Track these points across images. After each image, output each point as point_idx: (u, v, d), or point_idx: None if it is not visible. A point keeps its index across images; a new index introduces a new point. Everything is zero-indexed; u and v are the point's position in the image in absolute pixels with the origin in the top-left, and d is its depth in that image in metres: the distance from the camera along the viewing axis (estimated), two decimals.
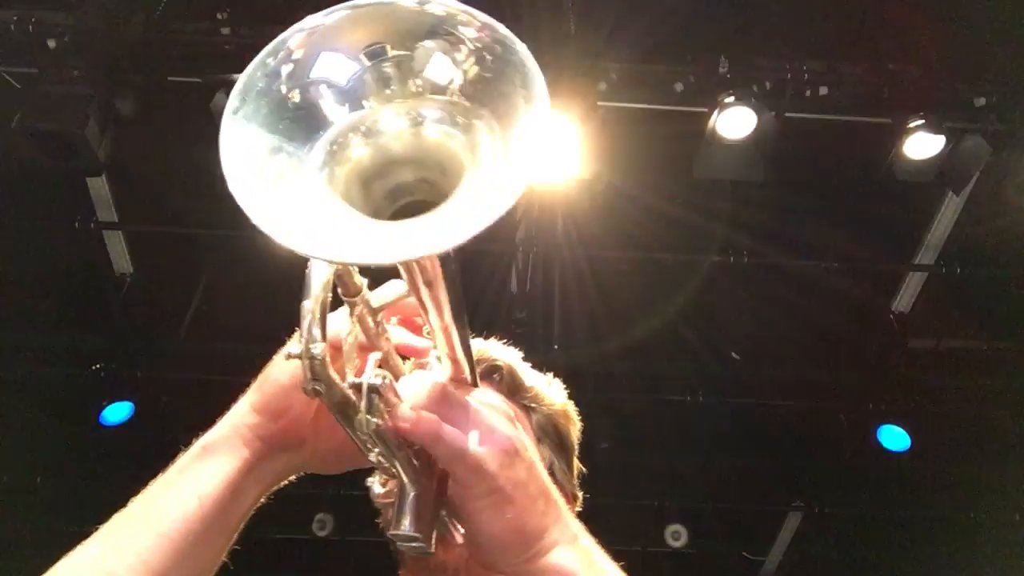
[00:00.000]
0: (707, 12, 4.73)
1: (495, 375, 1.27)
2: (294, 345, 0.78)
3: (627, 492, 6.51)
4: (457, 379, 0.94)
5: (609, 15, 4.69)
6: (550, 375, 1.37)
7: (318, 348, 0.78)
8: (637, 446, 6.31)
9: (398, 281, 0.93)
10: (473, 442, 0.86)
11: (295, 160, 0.75)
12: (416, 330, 1.01)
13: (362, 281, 0.88)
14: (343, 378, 0.82)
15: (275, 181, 0.72)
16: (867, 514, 7.14)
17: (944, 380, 6.19)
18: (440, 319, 0.85)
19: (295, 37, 0.79)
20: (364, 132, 0.78)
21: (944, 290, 5.66)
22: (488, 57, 0.73)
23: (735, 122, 4.37)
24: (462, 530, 0.94)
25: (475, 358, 0.97)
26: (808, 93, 4.55)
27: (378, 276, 0.91)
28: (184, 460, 0.98)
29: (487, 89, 0.74)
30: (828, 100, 4.60)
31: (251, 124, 0.74)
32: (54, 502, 6.54)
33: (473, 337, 1.04)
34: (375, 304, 0.92)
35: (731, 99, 4.32)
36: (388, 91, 0.78)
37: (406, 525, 0.88)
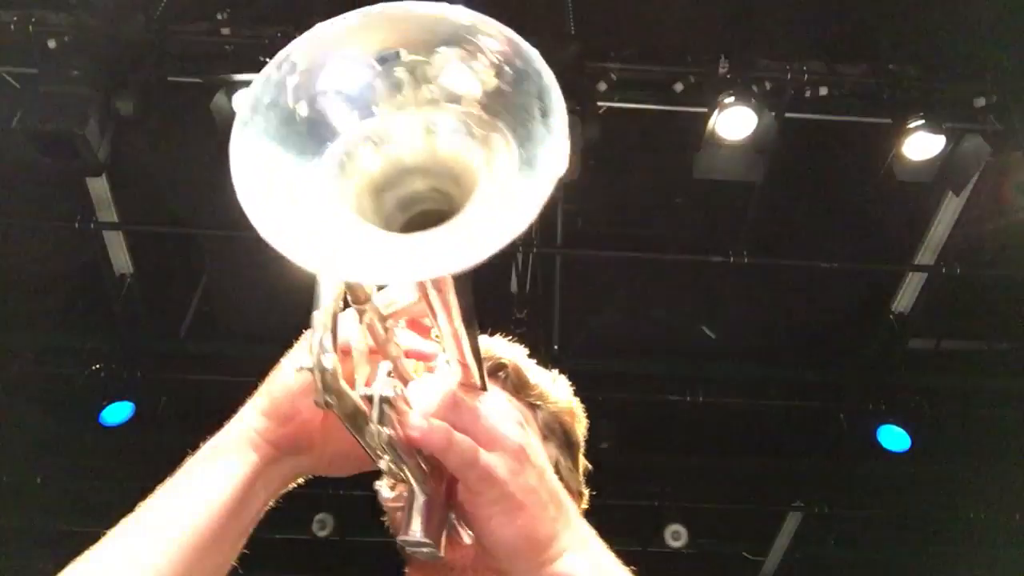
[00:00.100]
0: (707, 12, 4.73)
1: (500, 373, 1.26)
2: (305, 358, 0.78)
3: (627, 492, 6.51)
4: (466, 383, 0.93)
5: (609, 15, 4.69)
6: (555, 372, 1.37)
7: (330, 360, 0.77)
8: (637, 446, 6.31)
9: (407, 285, 0.93)
10: (484, 449, 0.86)
11: (306, 172, 0.74)
12: (423, 331, 1.00)
13: (372, 287, 0.88)
14: (353, 386, 0.82)
15: (286, 195, 0.72)
16: (867, 514, 7.14)
17: (944, 380, 6.19)
18: (450, 324, 0.85)
19: (303, 46, 0.77)
20: (376, 141, 0.77)
21: (944, 290, 5.66)
22: (507, 70, 0.72)
23: (735, 122, 4.37)
24: (470, 532, 0.94)
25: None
26: (808, 93, 4.55)
27: None
28: (192, 465, 0.98)
29: (504, 102, 0.73)
30: (828, 100, 4.60)
31: (261, 137, 0.74)
32: (54, 502, 6.54)
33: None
34: (385, 311, 0.92)
35: (731, 99, 4.32)
36: (400, 96, 0.77)
37: (416, 531, 0.88)
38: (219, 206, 4.95)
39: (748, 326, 6.22)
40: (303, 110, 0.75)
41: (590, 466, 1.36)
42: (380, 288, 0.91)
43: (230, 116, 4.26)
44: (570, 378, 1.39)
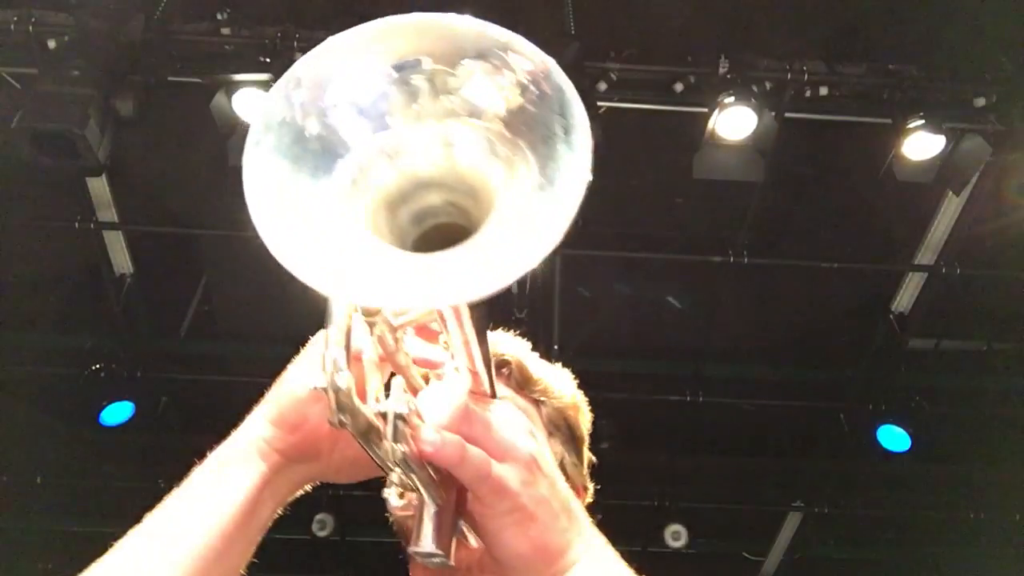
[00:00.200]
0: (707, 12, 4.73)
1: (504, 370, 1.26)
2: (319, 376, 0.77)
3: (627, 492, 6.51)
4: (476, 391, 0.92)
5: (609, 15, 4.69)
6: (558, 365, 1.37)
7: (344, 380, 0.76)
8: (637, 446, 6.31)
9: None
10: (496, 462, 0.85)
11: (319, 189, 0.73)
12: (431, 336, 1.00)
13: None
14: (364, 398, 0.81)
15: (299, 214, 0.70)
16: (867, 514, 7.14)
17: (944, 380, 6.20)
18: (461, 332, 0.84)
19: (317, 58, 0.75)
20: (390, 155, 0.76)
21: (944, 290, 5.66)
22: (534, 90, 0.71)
23: (735, 122, 4.37)
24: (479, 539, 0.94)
25: None
26: (808, 93, 4.55)
27: None
28: (199, 475, 0.97)
29: (528, 122, 0.71)
30: (828, 100, 4.60)
31: (273, 155, 0.72)
32: (54, 502, 6.55)
33: None
34: (395, 322, 0.91)
35: (731, 99, 4.32)
36: (416, 106, 0.75)
37: (427, 542, 0.87)
38: (219, 206, 4.96)
39: (748, 326, 6.22)
40: (313, 127, 0.74)
41: (595, 459, 1.36)
42: None
43: (230, 116, 4.26)
44: None
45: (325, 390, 0.76)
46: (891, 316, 5.95)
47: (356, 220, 0.73)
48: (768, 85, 4.51)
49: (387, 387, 0.96)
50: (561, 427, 1.30)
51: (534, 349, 1.34)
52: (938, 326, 6.03)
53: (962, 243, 5.37)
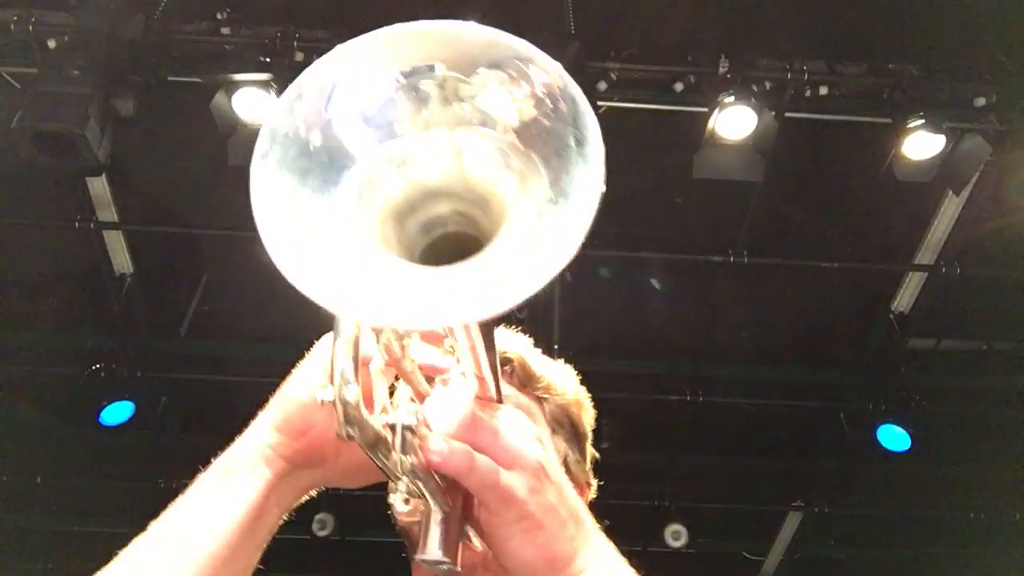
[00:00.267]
0: (707, 12, 4.73)
1: (506, 367, 1.25)
2: (327, 391, 0.77)
3: (627, 492, 6.51)
4: (482, 396, 0.92)
5: (609, 15, 4.69)
6: (561, 361, 1.36)
7: (352, 393, 0.76)
8: (637, 446, 6.31)
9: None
10: (503, 470, 0.85)
11: (326, 203, 0.72)
12: (436, 339, 0.99)
13: None
14: (371, 409, 0.81)
15: (308, 229, 0.69)
16: (867, 514, 7.14)
17: (944, 380, 6.20)
18: (468, 338, 0.84)
19: (324, 67, 0.74)
20: (398, 164, 0.75)
21: (944, 290, 5.66)
22: (550, 104, 0.70)
23: (735, 122, 4.37)
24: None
25: None
26: (808, 93, 4.55)
27: None
28: (205, 483, 0.97)
29: (542, 136, 0.70)
30: (828, 100, 4.60)
31: (280, 169, 0.71)
32: (54, 502, 6.54)
33: None
34: (401, 329, 0.91)
35: (731, 99, 4.32)
36: (425, 112, 0.74)
37: (434, 550, 0.87)
38: (219, 206, 4.96)
39: (748, 326, 6.22)
40: (319, 139, 0.73)
41: (598, 455, 1.36)
42: None
43: (230, 116, 4.26)
44: None
45: (333, 403, 0.76)
46: (891, 316, 5.95)
47: (364, 232, 0.72)
48: (768, 85, 4.50)
49: (391, 390, 0.96)
50: (564, 424, 1.30)
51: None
52: (938, 326, 6.03)
53: (962, 243, 5.37)
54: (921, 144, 4.41)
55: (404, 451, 0.80)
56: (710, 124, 4.41)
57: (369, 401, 0.82)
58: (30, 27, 4.18)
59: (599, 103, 4.49)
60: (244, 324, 6.00)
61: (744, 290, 5.85)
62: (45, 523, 6.71)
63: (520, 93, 0.71)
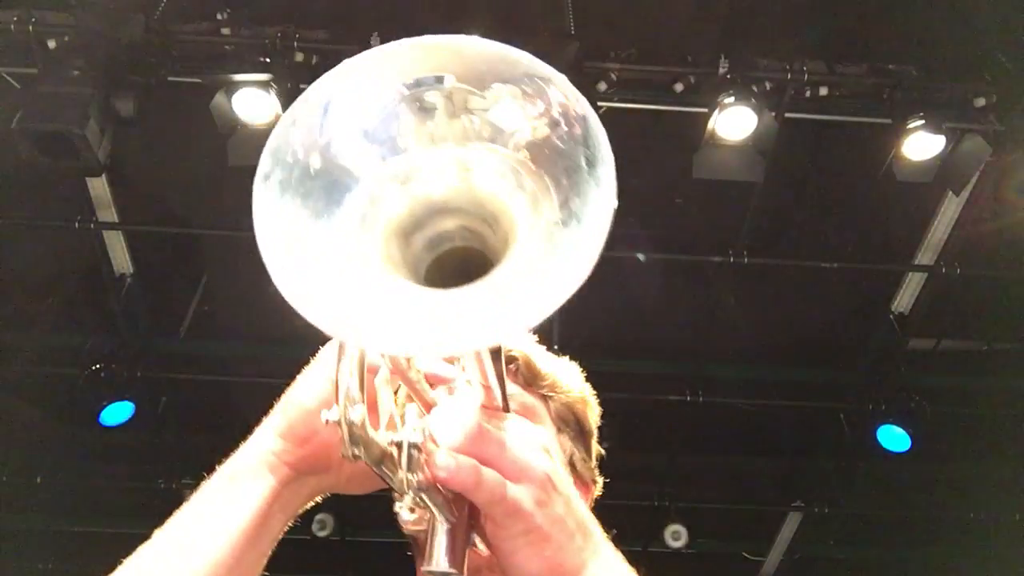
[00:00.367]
0: (707, 12, 4.73)
1: (511, 366, 1.25)
2: (332, 411, 0.76)
3: (627, 492, 6.51)
4: (488, 405, 0.91)
5: (609, 15, 4.69)
6: (566, 358, 1.36)
7: (358, 413, 0.76)
8: (637, 446, 6.31)
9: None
10: (510, 483, 0.84)
11: (332, 224, 0.70)
12: None
13: None
14: (376, 424, 0.80)
15: (312, 252, 0.68)
16: (867, 514, 7.14)
17: (944, 380, 6.19)
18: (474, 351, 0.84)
19: (331, 81, 0.73)
20: (401, 180, 0.74)
21: (944, 290, 5.66)
22: (563, 125, 0.68)
23: (735, 122, 4.37)
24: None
25: None
26: (808, 93, 4.55)
27: None
28: (209, 490, 0.97)
29: (553, 156, 0.69)
30: (828, 100, 4.60)
31: (285, 190, 0.70)
32: (54, 502, 6.54)
33: None
34: (407, 357, 0.91)
35: (731, 99, 4.32)
36: (431, 123, 0.72)
37: (441, 562, 0.87)
38: (219, 206, 4.96)
39: (748, 326, 6.22)
40: (318, 161, 0.71)
41: (603, 452, 1.35)
42: None
43: (230, 116, 4.26)
44: None
45: (338, 423, 0.76)
46: (891, 316, 5.95)
47: (369, 253, 0.71)
48: (768, 85, 4.50)
49: (395, 391, 0.96)
50: (570, 422, 1.29)
51: None
52: (938, 326, 6.03)
53: (962, 243, 5.37)
54: (921, 144, 4.41)
55: (410, 469, 0.80)
56: (710, 124, 4.41)
57: (374, 414, 0.82)
58: (30, 27, 4.17)
59: (599, 103, 4.48)
60: (244, 324, 6.00)
61: (744, 290, 5.85)
62: (45, 523, 6.71)
63: (534, 111, 0.70)
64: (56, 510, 6.64)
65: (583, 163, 0.67)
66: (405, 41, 0.71)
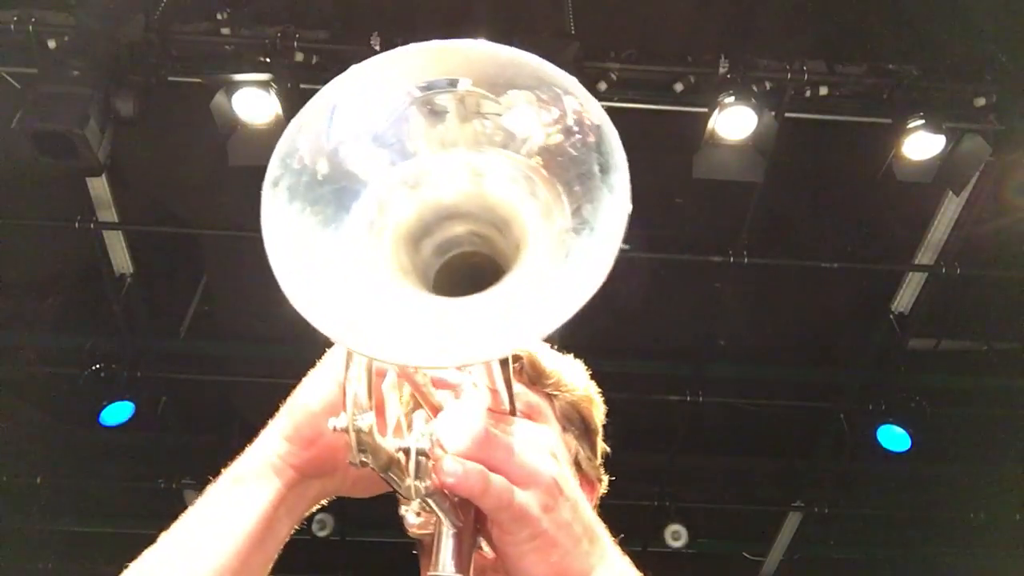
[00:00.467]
0: (707, 12, 4.73)
1: (516, 364, 1.23)
2: (340, 418, 0.76)
3: (627, 492, 6.51)
4: (495, 409, 0.91)
5: (609, 15, 4.69)
6: (570, 356, 1.35)
7: (366, 421, 0.75)
8: (637, 446, 6.31)
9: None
10: (518, 489, 0.84)
11: (341, 231, 0.70)
12: None
13: None
14: (384, 429, 0.80)
15: (321, 259, 0.68)
16: (867, 514, 7.14)
17: (944, 380, 6.19)
18: None
19: (336, 89, 0.72)
20: (411, 184, 0.73)
21: (944, 290, 5.66)
22: (577, 134, 0.68)
23: (735, 122, 4.37)
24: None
25: None
26: (808, 93, 4.55)
27: None
28: (215, 494, 0.96)
29: (566, 162, 0.68)
30: (828, 100, 4.60)
31: (294, 197, 0.69)
32: (54, 502, 6.55)
33: None
34: (416, 368, 0.91)
35: (731, 99, 4.32)
36: (440, 128, 0.71)
37: (447, 567, 0.87)
38: (219, 206, 4.96)
39: (748, 326, 6.22)
40: (325, 167, 0.70)
41: (608, 450, 1.35)
42: None
43: (230, 116, 4.26)
44: None
45: (346, 430, 0.75)
46: (891, 316, 5.95)
47: (378, 259, 0.71)
48: (768, 85, 4.50)
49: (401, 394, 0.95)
50: (575, 420, 1.28)
51: None
52: (938, 326, 6.03)
53: (962, 243, 5.37)
54: (921, 144, 4.41)
55: (418, 475, 0.80)
56: (710, 124, 4.41)
57: (382, 420, 0.81)
58: (30, 27, 4.17)
59: (599, 103, 4.48)
60: (244, 324, 6.00)
61: (744, 290, 5.85)
62: (45, 523, 6.71)
63: (548, 117, 0.69)
64: (56, 510, 6.64)
65: (596, 170, 0.66)
66: (413, 45, 0.71)
